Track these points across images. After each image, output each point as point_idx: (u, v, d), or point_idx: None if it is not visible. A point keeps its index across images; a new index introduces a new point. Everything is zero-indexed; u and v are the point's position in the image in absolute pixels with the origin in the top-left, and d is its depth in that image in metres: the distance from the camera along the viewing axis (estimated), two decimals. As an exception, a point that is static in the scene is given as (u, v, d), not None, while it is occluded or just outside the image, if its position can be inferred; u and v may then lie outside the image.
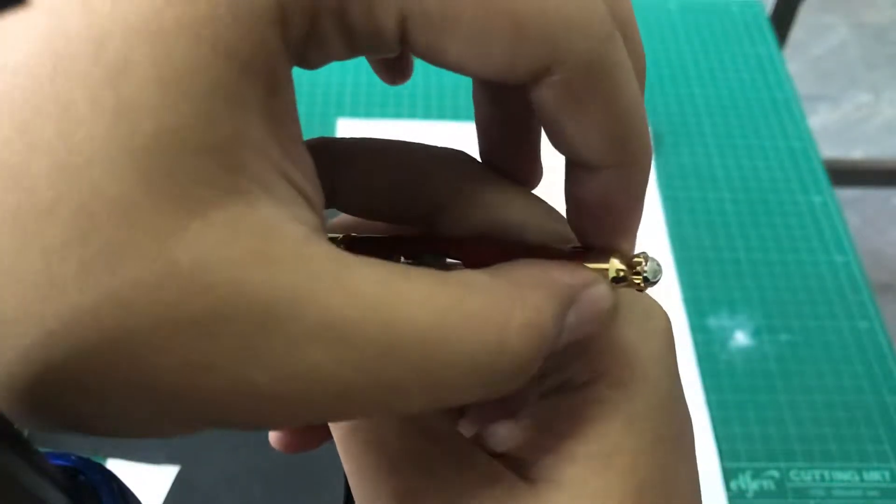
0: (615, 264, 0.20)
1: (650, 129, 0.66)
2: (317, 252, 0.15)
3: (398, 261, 0.23)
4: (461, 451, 0.22)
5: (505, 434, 0.24)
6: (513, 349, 0.17)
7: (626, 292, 0.22)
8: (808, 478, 0.50)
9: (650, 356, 0.23)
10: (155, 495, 0.46)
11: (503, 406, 0.27)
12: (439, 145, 0.24)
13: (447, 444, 0.22)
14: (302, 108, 0.67)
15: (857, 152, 1.72)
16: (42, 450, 0.22)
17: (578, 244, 0.22)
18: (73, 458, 0.25)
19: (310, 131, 0.69)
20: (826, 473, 0.50)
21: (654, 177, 0.64)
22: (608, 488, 0.21)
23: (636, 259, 0.21)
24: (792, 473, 0.50)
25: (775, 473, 0.50)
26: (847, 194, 1.52)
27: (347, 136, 0.24)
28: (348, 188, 0.23)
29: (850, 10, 2.01)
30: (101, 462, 0.42)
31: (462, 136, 0.65)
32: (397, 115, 0.67)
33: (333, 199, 0.23)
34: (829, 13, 1.99)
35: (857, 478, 0.50)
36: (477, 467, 0.22)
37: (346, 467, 0.23)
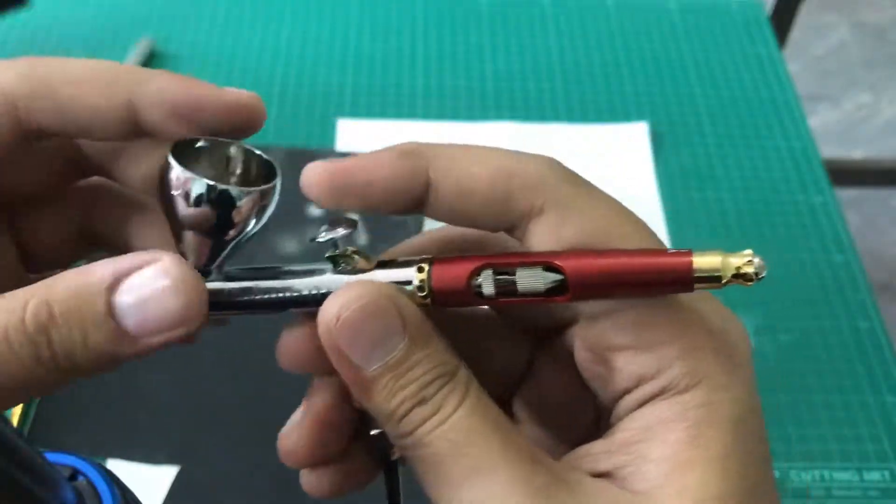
0: (732, 261, 0.21)
1: (650, 128, 0.66)
2: None
3: (488, 278, 0.23)
4: (567, 476, 0.23)
5: (598, 451, 0.24)
6: None
7: (707, 298, 0.23)
8: (808, 478, 0.50)
9: (742, 358, 0.23)
10: (155, 495, 0.46)
11: (570, 432, 0.27)
12: (529, 152, 0.25)
13: (552, 469, 0.23)
14: (302, 108, 0.67)
15: (857, 152, 1.72)
16: (42, 450, 0.22)
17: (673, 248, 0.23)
18: (73, 458, 0.25)
19: (310, 131, 0.70)
20: (826, 473, 0.50)
21: (654, 177, 0.64)
22: (726, 488, 0.22)
23: (746, 258, 0.21)
24: (792, 473, 0.50)
25: (775, 473, 0.50)
26: (847, 194, 1.52)
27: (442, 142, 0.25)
28: (448, 185, 0.24)
29: (850, 10, 2.01)
30: (101, 462, 0.42)
31: (462, 137, 0.65)
32: (397, 115, 0.67)
33: (424, 200, 0.24)
34: (829, 13, 1.99)
35: (856, 478, 0.50)
36: (583, 486, 0.22)
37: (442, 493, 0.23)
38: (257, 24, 0.74)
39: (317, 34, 0.73)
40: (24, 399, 0.22)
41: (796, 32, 1.20)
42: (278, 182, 0.25)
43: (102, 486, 0.25)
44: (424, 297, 0.23)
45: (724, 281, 0.21)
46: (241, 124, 0.26)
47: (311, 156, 0.62)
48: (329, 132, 0.65)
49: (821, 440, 0.52)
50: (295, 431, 0.27)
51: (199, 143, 0.25)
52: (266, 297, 0.25)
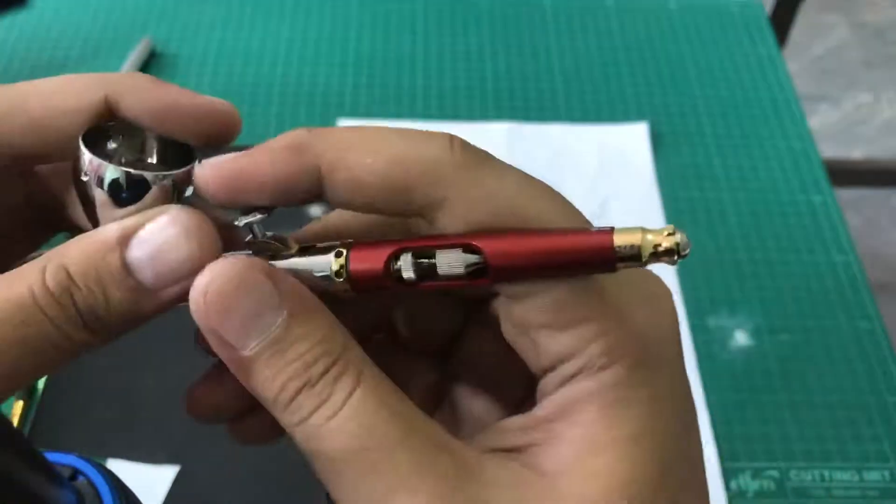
0: (650, 238, 0.20)
1: (650, 128, 0.66)
2: None
3: (407, 263, 0.22)
4: (472, 460, 0.22)
5: (517, 426, 0.23)
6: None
7: (632, 272, 0.22)
8: (808, 478, 0.50)
9: (664, 336, 0.23)
10: (155, 495, 0.46)
11: (504, 399, 0.27)
12: (431, 130, 0.23)
13: (457, 453, 0.22)
14: (302, 108, 0.67)
15: (857, 152, 1.72)
16: (42, 450, 0.22)
17: (595, 227, 0.22)
18: (73, 458, 0.25)
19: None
20: (826, 473, 0.50)
21: (654, 177, 0.64)
22: (635, 472, 0.21)
23: (666, 232, 0.20)
24: (792, 473, 0.50)
25: (775, 473, 0.50)
26: (847, 194, 1.52)
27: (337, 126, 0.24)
28: (340, 181, 0.22)
29: (850, 10, 2.01)
30: (101, 462, 0.42)
31: (461, 137, 0.65)
32: (397, 115, 0.67)
33: (322, 193, 0.23)
34: (829, 13, 1.99)
35: (856, 478, 0.50)
36: (487, 470, 0.22)
37: (339, 490, 0.22)
38: (257, 24, 0.74)
39: (317, 34, 0.73)
40: (60, 364, 0.22)
41: (796, 32, 1.20)
42: (196, 166, 0.24)
43: (102, 486, 0.25)
44: (342, 281, 0.23)
45: (644, 259, 0.20)
46: (216, 132, 0.25)
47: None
48: (329, 132, 0.65)
49: (821, 440, 0.52)
50: (197, 387, 0.26)
51: (113, 130, 0.25)
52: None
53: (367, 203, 0.23)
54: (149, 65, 0.69)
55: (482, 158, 0.23)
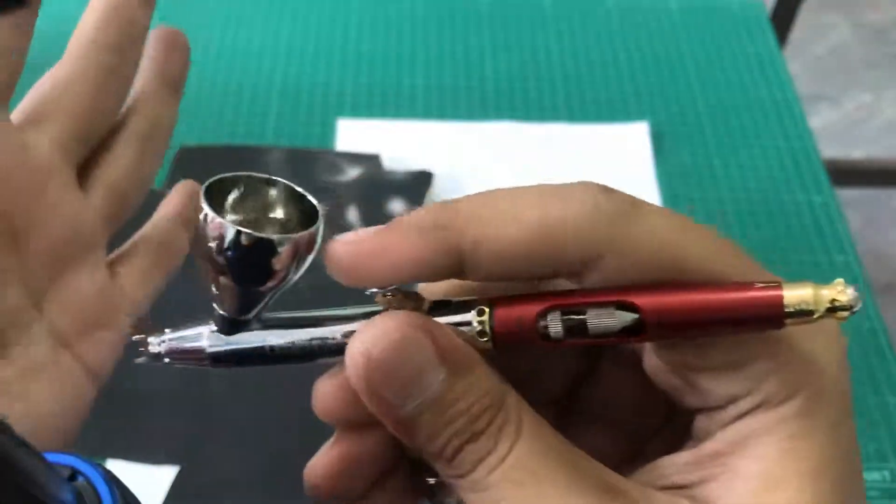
0: (824, 294, 0.19)
1: (650, 128, 0.66)
2: None
3: (556, 321, 0.21)
4: (637, 498, 0.21)
5: (682, 462, 0.22)
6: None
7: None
8: (809, 478, 0.50)
9: (839, 365, 0.22)
10: (155, 495, 0.46)
11: (630, 438, 0.26)
12: (565, 183, 0.22)
13: (626, 494, 0.21)
14: (302, 108, 0.67)
15: (857, 152, 1.72)
16: (42, 450, 0.22)
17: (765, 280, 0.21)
18: (73, 458, 0.25)
19: (310, 131, 0.70)
20: (826, 473, 0.50)
21: (654, 177, 0.64)
22: (819, 503, 0.20)
23: (839, 287, 0.19)
24: (792, 473, 0.50)
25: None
26: (847, 194, 1.52)
27: (470, 194, 0.22)
28: (484, 256, 0.21)
29: (851, 10, 2.01)
30: (101, 462, 0.42)
31: (462, 137, 0.65)
32: (397, 115, 0.67)
33: (461, 269, 0.22)
34: (829, 13, 1.99)
35: (857, 478, 0.50)
36: None
37: None
38: (257, 23, 0.74)
39: (317, 34, 0.73)
40: None
41: (796, 32, 1.20)
42: (321, 225, 0.23)
43: (102, 486, 0.25)
44: (486, 341, 0.22)
45: (816, 315, 0.19)
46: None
47: (312, 156, 0.62)
48: (329, 132, 0.65)
49: (821, 440, 0.51)
50: (320, 465, 0.25)
51: (236, 184, 0.23)
52: (307, 347, 0.23)
53: (512, 273, 0.22)
54: (149, 65, 0.69)
55: (631, 205, 0.21)
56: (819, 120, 1.77)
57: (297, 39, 0.73)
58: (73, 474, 0.25)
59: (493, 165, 0.62)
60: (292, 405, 0.50)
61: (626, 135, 0.66)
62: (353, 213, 0.59)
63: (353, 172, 0.61)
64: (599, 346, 0.26)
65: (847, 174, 1.37)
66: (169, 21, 0.77)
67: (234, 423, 0.49)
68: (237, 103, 0.67)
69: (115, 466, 0.47)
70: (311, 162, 0.62)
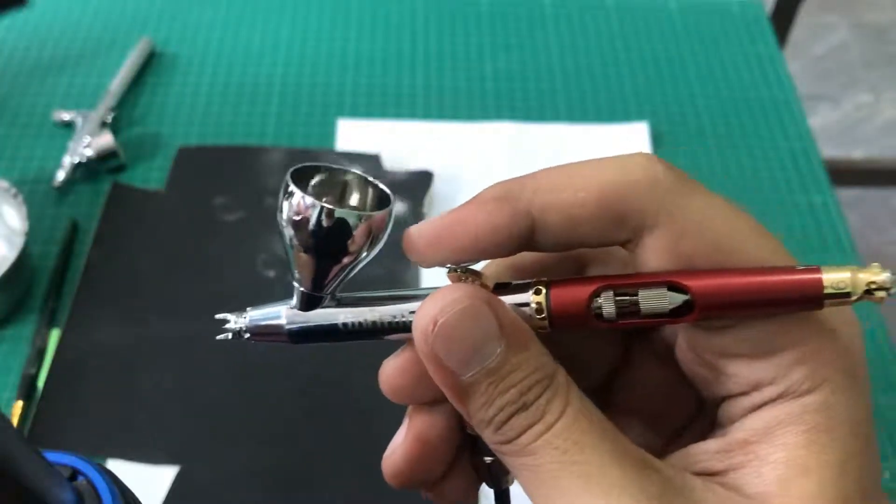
0: (861, 276, 0.20)
1: (650, 128, 0.66)
2: None
3: (609, 300, 0.22)
4: (678, 481, 0.22)
5: (713, 450, 0.23)
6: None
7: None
8: (808, 478, 0.50)
9: (858, 358, 0.23)
10: (155, 495, 0.46)
11: (662, 426, 0.27)
12: (624, 154, 0.23)
13: (663, 474, 0.22)
14: (302, 108, 0.67)
15: (857, 152, 1.72)
16: (42, 450, 0.22)
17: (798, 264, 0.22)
18: (73, 458, 0.25)
19: (310, 131, 0.70)
20: (826, 473, 0.50)
21: (654, 177, 0.64)
22: (844, 496, 0.21)
23: (876, 269, 0.20)
24: (792, 473, 0.50)
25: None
26: (847, 194, 1.52)
27: (535, 171, 0.24)
28: (553, 222, 0.23)
29: (850, 10, 2.01)
30: (101, 462, 0.42)
31: (462, 137, 0.65)
32: (397, 115, 0.67)
33: (530, 239, 0.23)
34: (829, 13, 1.99)
35: (857, 478, 0.50)
36: (696, 491, 0.22)
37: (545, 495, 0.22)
38: (257, 24, 0.74)
39: (317, 34, 0.73)
40: None
41: (796, 32, 1.20)
42: (392, 209, 0.25)
43: (102, 486, 0.25)
44: (542, 319, 0.23)
45: (854, 298, 0.20)
46: None
47: (312, 156, 0.62)
48: (329, 132, 0.65)
49: (821, 440, 0.52)
50: (396, 453, 0.27)
51: (317, 171, 0.26)
52: (376, 323, 0.25)
53: (578, 237, 0.23)
54: (149, 65, 0.69)
55: (687, 182, 0.23)
56: (819, 120, 1.77)
57: (297, 39, 0.73)
58: (74, 474, 0.25)
59: (493, 165, 0.62)
60: (293, 405, 0.50)
61: (626, 135, 0.66)
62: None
63: (353, 172, 0.61)
64: (641, 333, 0.27)
65: (847, 174, 1.37)
66: (170, 22, 0.77)
67: (233, 423, 0.49)
68: (237, 103, 0.67)
69: (115, 466, 0.47)
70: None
